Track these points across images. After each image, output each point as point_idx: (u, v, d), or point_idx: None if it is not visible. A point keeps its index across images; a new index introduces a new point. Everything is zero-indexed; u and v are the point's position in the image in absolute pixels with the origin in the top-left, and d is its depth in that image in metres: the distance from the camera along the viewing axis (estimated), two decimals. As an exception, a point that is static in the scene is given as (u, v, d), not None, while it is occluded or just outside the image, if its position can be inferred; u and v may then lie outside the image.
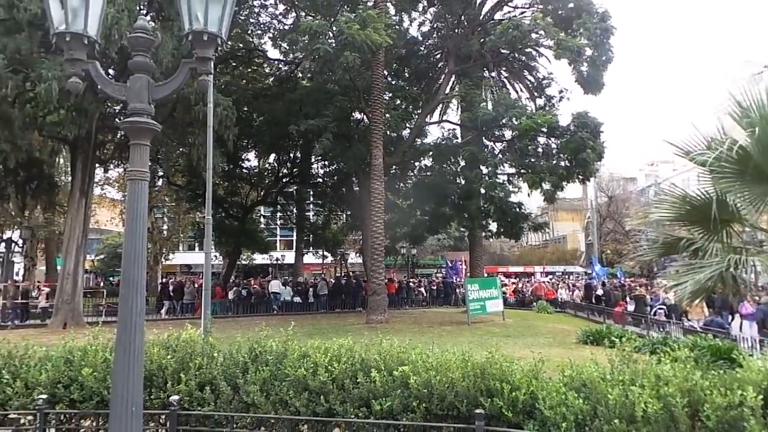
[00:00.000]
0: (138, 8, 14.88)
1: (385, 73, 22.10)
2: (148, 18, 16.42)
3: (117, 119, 20.39)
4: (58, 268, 25.50)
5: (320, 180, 30.53)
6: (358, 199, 26.24)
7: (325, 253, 39.73)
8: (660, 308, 19.11)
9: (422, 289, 30.23)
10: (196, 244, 47.93)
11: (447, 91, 24.86)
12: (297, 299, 24.97)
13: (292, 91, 23.81)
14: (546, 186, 21.12)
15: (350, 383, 4.12)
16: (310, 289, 26.34)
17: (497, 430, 3.75)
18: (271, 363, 4.39)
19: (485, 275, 27.18)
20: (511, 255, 60.20)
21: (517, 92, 26.65)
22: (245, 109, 23.06)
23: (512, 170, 23.68)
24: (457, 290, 29.31)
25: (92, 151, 18.80)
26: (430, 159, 25.95)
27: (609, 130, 75.84)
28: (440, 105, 25.62)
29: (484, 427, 3.66)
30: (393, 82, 24.89)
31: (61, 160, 24.65)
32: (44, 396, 3.99)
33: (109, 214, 39.03)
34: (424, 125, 24.51)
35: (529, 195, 23.13)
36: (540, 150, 21.98)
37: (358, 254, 37.59)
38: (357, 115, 24.62)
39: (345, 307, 25.30)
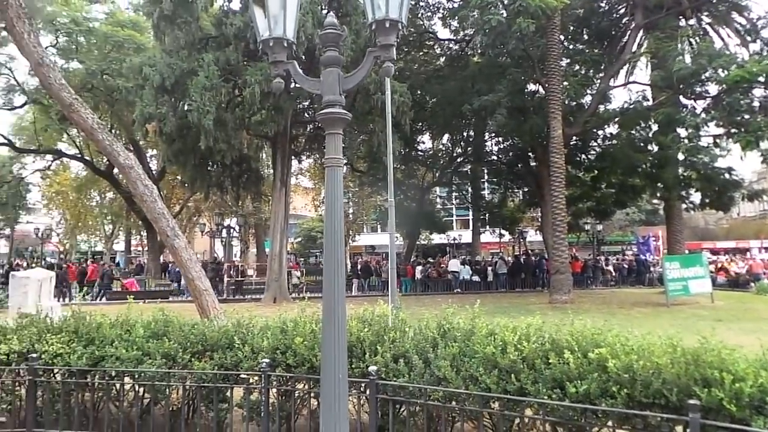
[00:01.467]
0: (320, 9, 16.08)
1: (561, 38, 20.69)
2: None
3: (306, 114, 22.47)
4: (266, 250, 29.18)
5: (495, 157, 29.96)
6: (535, 174, 25.21)
7: (502, 231, 39.07)
8: None
9: (610, 268, 28.02)
10: (379, 226, 50.86)
11: (634, 49, 22.37)
12: (475, 278, 25.04)
13: (463, 70, 23.65)
14: (764, 145, 17.85)
15: (541, 363, 4.00)
16: (489, 268, 26.19)
17: (716, 424, 3.31)
18: (459, 339, 4.46)
19: (686, 252, 24.16)
20: (718, 228, 52.45)
21: (722, 39, 22.84)
22: (418, 92, 23.58)
23: (719, 131, 20.47)
24: (652, 269, 26.56)
25: (288, 145, 21.00)
26: (616, 126, 23.75)
27: None
28: (626, 65, 23.20)
29: (699, 419, 3.26)
30: (570, 47, 23.23)
31: (264, 155, 27.99)
32: (267, 360, 4.61)
33: (303, 201, 43.33)
34: (607, 90, 22.46)
35: (741, 158, 19.77)
36: (756, 104, 18.62)
37: (537, 231, 36.24)
38: (532, 87, 23.55)
39: (525, 286, 24.68)
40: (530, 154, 25.57)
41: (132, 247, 48.35)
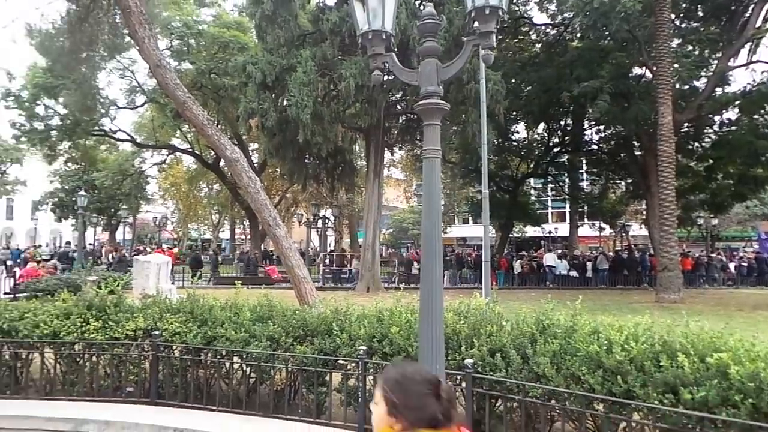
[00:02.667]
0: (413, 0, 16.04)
1: (672, 16, 19.10)
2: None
3: (398, 106, 22.60)
4: (359, 240, 29.83)
5: (595, 146, 28.40)
6: (640, 164, 23.58)
7: (602, 224, 37.05)
8: None
9: (732, 266, 25.65)
10: (470, 218, 50.20)
11: (758, 24, 20.14)
12: (573, 273, 23.98)
13: (561, 55, 22.60)
14: None
15: (651, 366, 3.75)
16: (588, 263, 24.96)
17: None
18: (559, 336, 4.30)
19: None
20: None
21: None
22: (513, 81, 22.87)
23: None
24: (777, 268, 24.00)
25: (381, 137, 21.26)
26: (736, 111, 21.58)
27: None
28: (749, 43, 20.94)
29: None
30: (682, 25, 21.39)
31: (357, 147, 28.58)
32: (364, 347, 4.73)
33: (395, 192, 43.78)
34: (726, 71, 20.44)
35: None
36: None
37: (641, 225, 33.98)
38: (637, 71, 22.00)
39: (628, 283, 23.24)
40: (635, 142, 23.95)
41: (236, 236, 51.56)
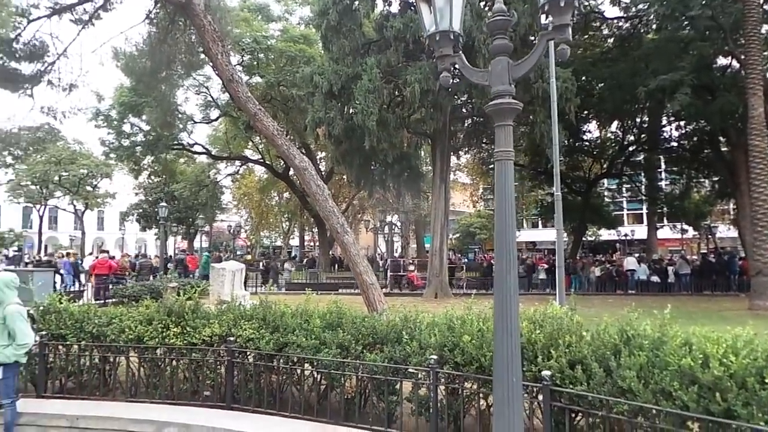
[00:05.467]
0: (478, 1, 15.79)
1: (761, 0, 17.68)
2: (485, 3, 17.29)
3: (464, 110, 22.32)
4: (426, 245, 29.67)
5: (675, 144, 26.75)
6: (728, 161, 21.98)
7: (685, 226, 34.84)
8: None
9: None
10: (539, 222, 48.76)
11: None
12: (654, 278, 22.62)
13: (635, 49, 21.50)
14: None
15: (755, 382, 3.39)
16: (669, 268, 23.47)
17: None
18: (646, 348, 3.99)
19: None
20: None
21: None
22: (584, 78, 22.02)
23: None
24: None
25: (447, 141, 21.07)
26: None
27: None
28: None
29: None
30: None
31: (423, 152, 28.50)
32: (434, 357, 4.61)
33: (461, 197, 43.27)
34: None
35: None
36: None
37: (729, 227, 31.63)
38: (722, 61, 20.54)
39: (716, 288, 21.64)
40: (720, 138, 22.35)
41: (305, 243, 52.84)
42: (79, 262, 21.23)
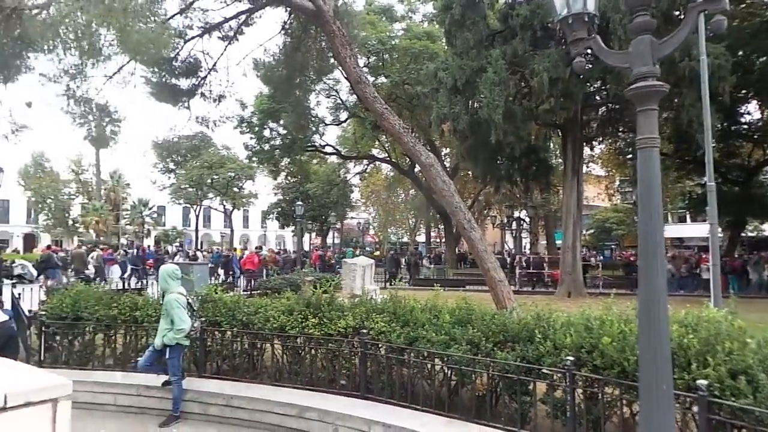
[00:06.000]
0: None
1: None
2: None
3: (597, 97, 20.92)
4: (557, 242, 28.34)
5: None
6: None
7: None
8: None
9: None
10: (687, 215, 44.14)
11: None
12: (837, 280, 19.39)
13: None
14: None
15: None
16: None
17: None
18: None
19: None
20: None
21: None
22: (740, 53, 19.46)
23: None
24: None
25: (579, 131, 19.91)
26: None
27: None
28: None
29: None
30: None
31: (552, 144, 27.24)
32: (570, 358, 4.39)
33: (595, 190, 40.63)
34: None
35: None
36: None
37: None
38: None
39: None
40: None
41: (431, 239, 53.23)
42: (235, 257, 23.65)
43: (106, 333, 7.09)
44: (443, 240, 41.03)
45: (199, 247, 41.09)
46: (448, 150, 34.96)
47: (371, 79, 26.81)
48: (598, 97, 20.91)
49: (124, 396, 6.36)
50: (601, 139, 26.67)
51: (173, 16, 10.87)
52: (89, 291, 7.70)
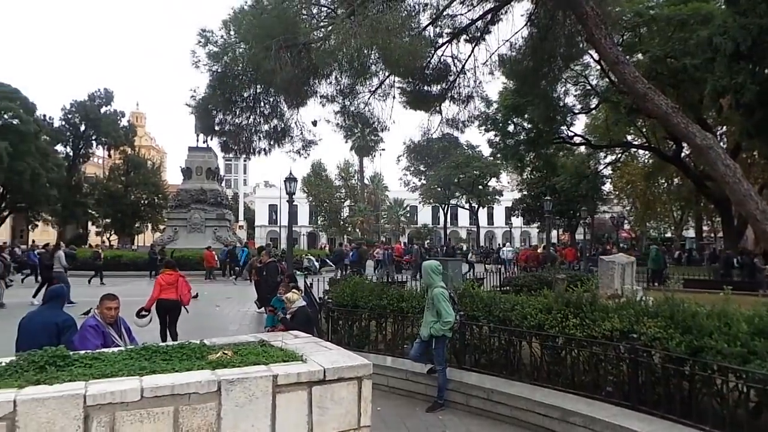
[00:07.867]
0: None
1: None
2: None
3: None
4: None
5: None
6: None
7: None
8: None
9: None
10: None
11: None
12: None
13: None
14: None
15: None
16: None
17: None
18: None
19: None
20: None
21: None
22: None
23: None
24: None
25: None
26: None
27: None
28: None
29: None
30: None
31: None
32: None
33: None
34: None
35: None
36: None
37: None
38: None
39: None
40: None
41: (703, 234, 45.97)
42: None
43: (377, 321, 7.94)
44: (719, 235, 34.83)
45: (444, 244, 43.22)
46: (724, 128, 29.64)
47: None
48: None
49: (395, 379, 7.02)
50: None
51: (426, 26, 11.54)
52: (363, 283, 8.73)
